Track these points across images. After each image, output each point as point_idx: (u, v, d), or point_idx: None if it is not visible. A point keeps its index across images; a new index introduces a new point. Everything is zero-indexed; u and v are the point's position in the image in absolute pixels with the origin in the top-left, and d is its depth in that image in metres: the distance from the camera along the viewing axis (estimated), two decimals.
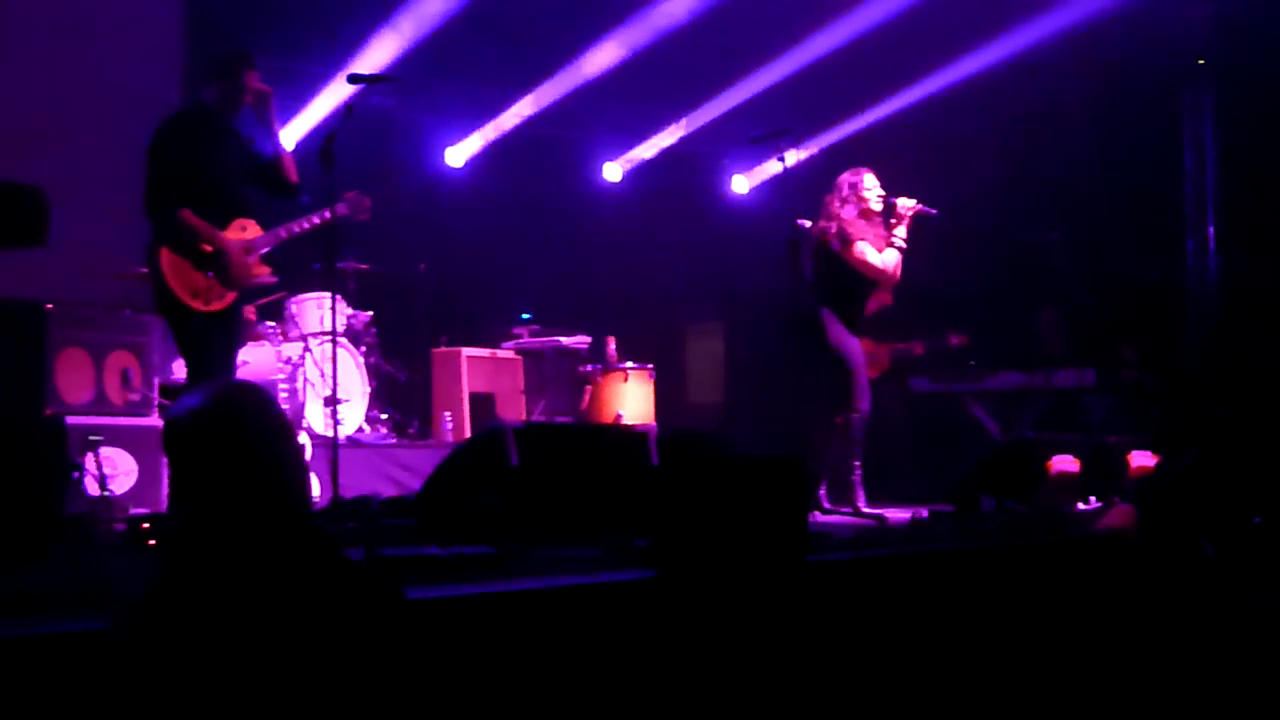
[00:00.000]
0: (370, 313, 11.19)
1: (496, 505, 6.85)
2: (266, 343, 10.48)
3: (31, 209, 7.09)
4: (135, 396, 9.26)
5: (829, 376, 9.24)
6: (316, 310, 10.58)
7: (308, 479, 3.23)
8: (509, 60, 13.08)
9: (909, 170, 10.00)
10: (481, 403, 11.78)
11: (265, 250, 7.68)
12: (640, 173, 15.10)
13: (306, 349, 10.19)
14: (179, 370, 9.58)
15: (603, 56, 13.11)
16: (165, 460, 3.20)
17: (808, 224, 9.37)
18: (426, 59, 11.97)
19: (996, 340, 12.79)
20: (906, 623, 6.12)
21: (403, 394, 11.98)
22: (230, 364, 7.60)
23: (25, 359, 8.75)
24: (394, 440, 11.00)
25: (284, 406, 9.26)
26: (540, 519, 6.83)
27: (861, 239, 9.18)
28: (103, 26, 10.58)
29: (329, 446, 7.79)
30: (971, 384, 12.33)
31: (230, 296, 7.44)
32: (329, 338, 8.72)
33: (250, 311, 8.06)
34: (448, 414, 11.51)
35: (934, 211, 9.31)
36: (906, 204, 9.27)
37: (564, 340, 12.36)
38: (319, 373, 10.05)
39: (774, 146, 9.38)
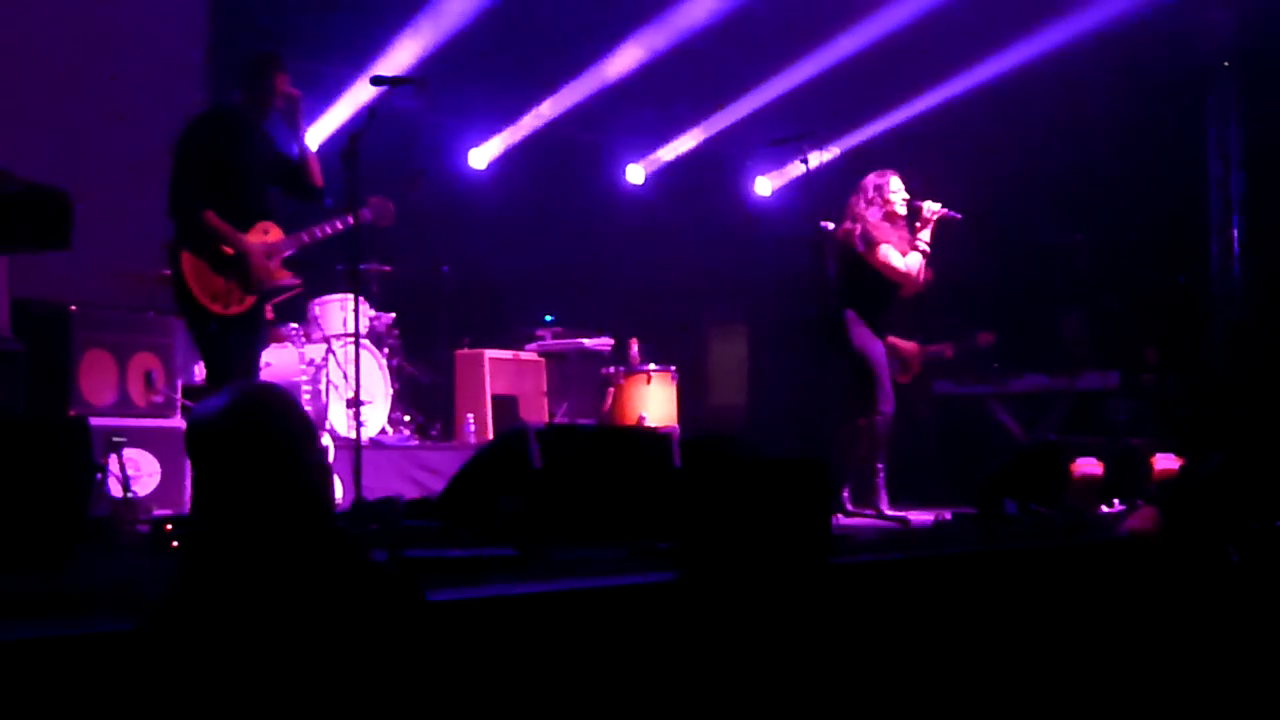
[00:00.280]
0: (393, 314, 11.19)
1: (519, 507, 6.84)
2: (289, 344, 10.50)
3: (56, 212, 7.11)
4: (158, 398, 9.29)
5: (852, 379, 9.23)
6: (339, 312, 10.58)
7: (331, 481, 3.23)
8: (532, 62, 13.09)
9: (932, 172, 9.98)
10: (504, 404, 11.78)
11: (287, 254, 7.67)
12: (663, 175, 15.09)
13: (329, 351, 10.19)
14: (202, 372, 9.60)
15: (626, 58, 13.11)
16: (188, 462, 3.21)
17: (831, 226, 9.36)
18: (450, 61, 11.98)
19: (1020, 343, 12.77)
20: (930, 626, 6.10)
21: (425, 396, 11.98)
22: (250, 367, 7.59)
23: (50, 361, 8.78)
24: (417, 442, 11.00)
25: (307, 408, 9.26)
26: (563, 521, 6.82)
27: (886, 241, 9.17)
28: (126, 29, 10.60)
29: (352, 448, 7.79)
30: (995, 387, 12.32)
31: (250, 300, 7.43)
32: (352, 339, 8.71)
33: (267, 310, 8.08)
34: (470, 416, 11.51)
35: (959, 216, 9.28)
36: (931, 207, 9.25)
37: (587, 342, 12.36)
38: (342, 374, 10.05)
39: (797, 148, 9.38)
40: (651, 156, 15.03)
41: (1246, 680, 5.47)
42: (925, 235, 9.23)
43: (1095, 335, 12.71)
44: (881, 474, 9.14)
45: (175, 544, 6.59)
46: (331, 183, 7.83)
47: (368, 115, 7.84)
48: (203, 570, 3.03)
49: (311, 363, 10.32)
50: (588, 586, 5.23)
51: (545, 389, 12.22)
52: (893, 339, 12.27)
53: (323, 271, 10.19)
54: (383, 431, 10.70)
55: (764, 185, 15.53)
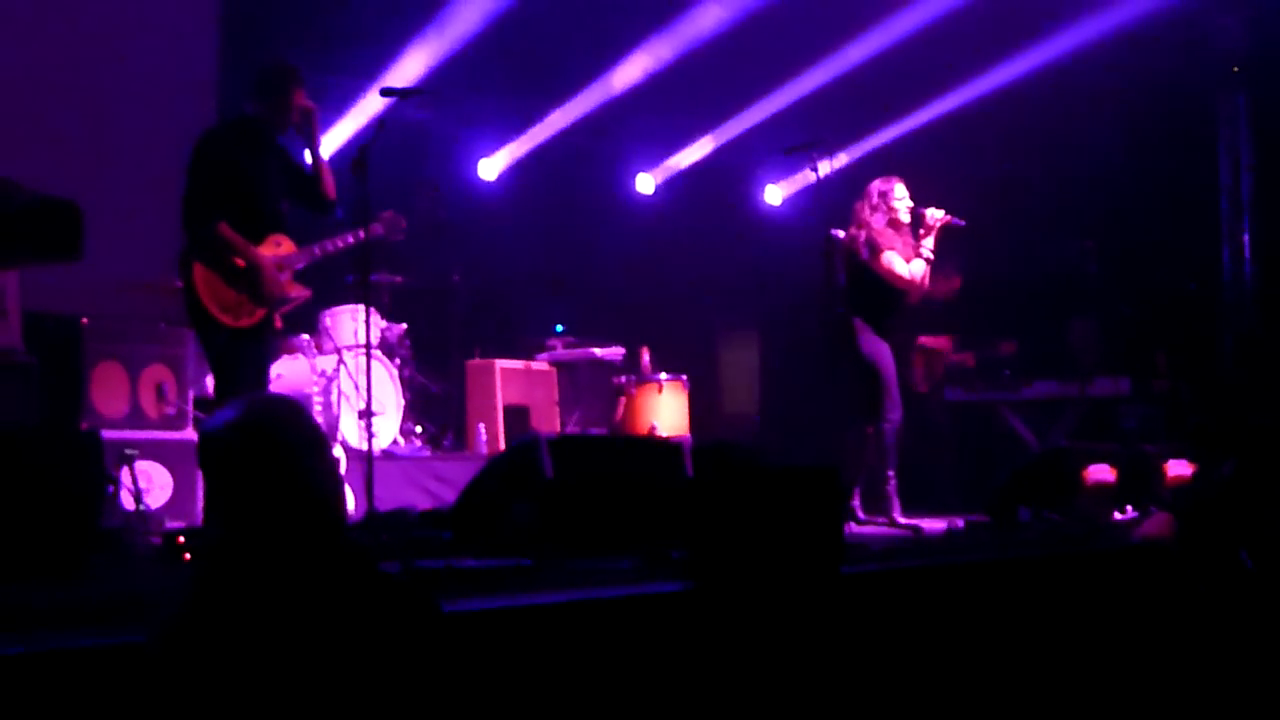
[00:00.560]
0: (404, 325, 11.19)
1: (532, 517, 6.85)
2: (301, 356, 10.50)
3: (66, 223, 7.12)
4: (170, 410, 9.30)
5: (860, 386, 9.24)
6: (350, 323, 10.58)
7: (343, 492, 3.23)
8: (542, 73, 13.10)
9: (942, 179, 9.98)
10: (516, 415, 11.78)
11: (299, 267, 7.67)
12: (674, 184, 15.09)
13: (341, 362, 10.20)
14: (214, 383, 9.62)
15: (635, 68, 13.12)
16: (200, 474, 3.21)
17: (841, 234, 9.37)
18: (459, 72, 11.99)
19: (1032, 350, 12.75)
20: (943, 634, 6.09)
21: (437, 406, 11.98)
22: (260, 379, 7.58)
23: (61, 373, 8.79)
24: (428, 453, 11.00)
25: (318, 419, 9.28)
26: (575, 531, 6.82)
27: (890, 248, 9.19)
28: (137, 40, 10.62)
29: (364, 459, 7.80)
30: (1007, 394, 12.30)
31: (261, 313, 7.43)
32: (363, 350, 8.72)
33: (276, 320, 8.12)
34: (482, 426, 11.51)
35: (962, 223, 9.31)
36: (935, 215, 9.27)
37: (598, 352, 12.35)
38: (353, 385, 10.06)
39: (807, 157, 9.38)
40: (662, 166, 15.02)
41: (1261, 686, 5.46)
42: (929, 242, 9.25)
43: (1105, 341, 12.69)
44: (893, 482, 9.14)
45: (187, 556, 6.59)
46: (342, 194, 7.83)
47: (378, 126, 7.86)
48: (215, 582, 3.03)
49: (323, 374, 10.33)
50: (601, 596, 5.23)
51: (557, 399, 12.21)
52: (924, 339, 12.30)
53: (334, 282, 10.21)
54: (394, 442, 10.70)
55: (774, 194, 15.53)
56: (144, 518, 7.68)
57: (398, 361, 10.93)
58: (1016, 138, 13.42)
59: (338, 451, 9.15)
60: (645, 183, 15.02)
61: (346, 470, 8.83)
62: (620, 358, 12.36)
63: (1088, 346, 12.72)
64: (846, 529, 7.98)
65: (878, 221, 9.27)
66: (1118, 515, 9.58)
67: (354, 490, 8.56)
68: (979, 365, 12.43)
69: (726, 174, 15.22)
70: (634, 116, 13.91)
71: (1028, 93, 13.05)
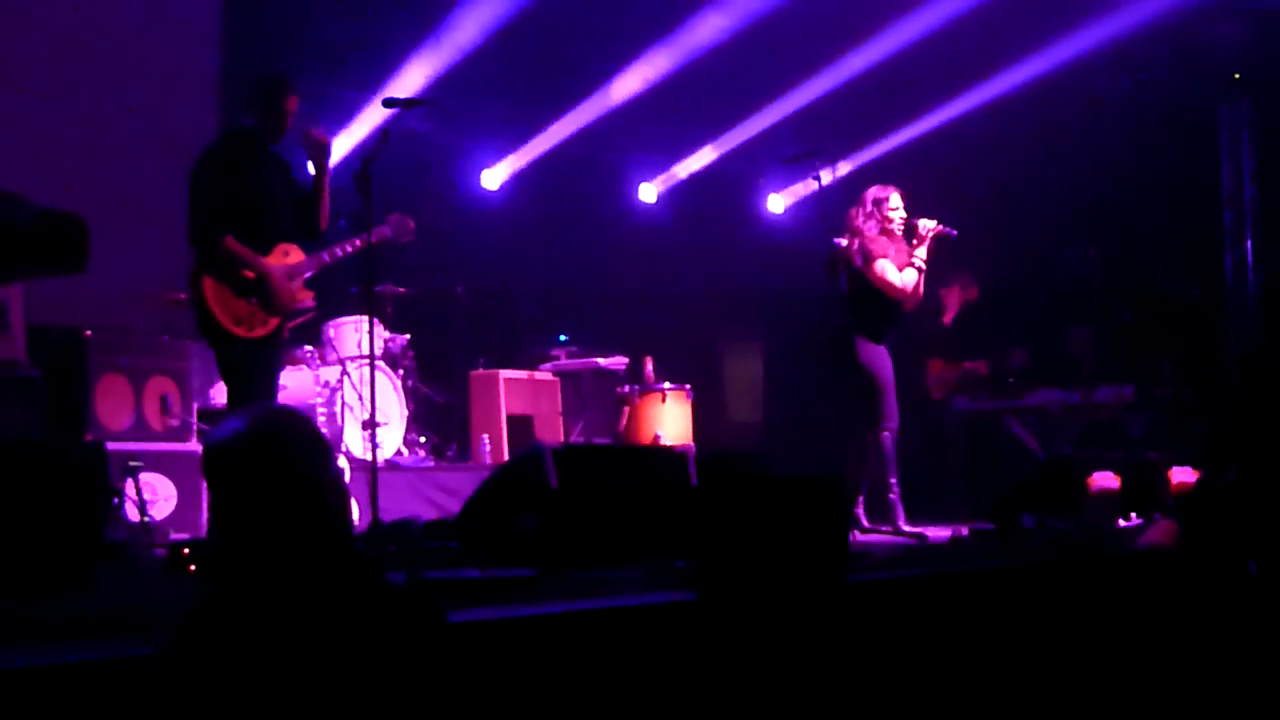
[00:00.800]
0: (408, 336, 11.19)
1: (536, 527, 6.85)
2: (305, 367, 10.51)
3: (71, 236, 7.14)
4: (174, 422, 9.30)
5: (859, 394, 9.24)
6: (354, 334, 10.59)
7: (348, 503, 3.23)
8: (544, 83, 13.11)
9: (944, 188, 9.99)
10: (520, 425, 11.78)
11: (308, 275, 7.70)
12: (676, 193, 15.10)
13: (344, 373, 10.21)
14: (218, 395, 9.63)
15: (637, 78, 13.12)
16: (205, 485, 3.21)
17: (844, 242, 9.38)
18: (462, 82, 12.00)
19: (1035, 357, 12.74)
20: (948, 642, 6.09)
21: (441, 417, 11.99)
22: (272, 389, 7.63)
23: (66, 386, 8.80)
24: (432, 463, 11.00)
25: (323, 430, 9.28)
26: (580, 541, 6.82)
27: (883, 256, 9.20)
28: (140, 54, 10.63)
29: (368, 470, 7.81)
30: (1011, 402, 12.29)
31: (273, 322, 7.46)
32: (367, 361, 8.72)
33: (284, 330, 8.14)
34: (486, 436, 11.51)
35: (954, 233, 9.32)
36: (927, 225, 9.28)
37: (601, 361, 12.36)
38: (357, 396, 10.07)
39: (809, 166, 9.41)
40: (664, 175, 15.03)
41: (1266, 693, 5.45)
42: (922, 252, 9.26)
43: (1104, 349, 12.68)
44: (896, 489, 9.13)
45: (192, 567, 6.60)
46: (346, 203, 7.84)
47: (381, 137, 7.87)
48: (220, 593, 3.04)
49: (327, 385, 10.34)
50: (606, 606, 5.23)
51: (560, 409, 12.22)
52: (968, 364, 12.33)
53: (337, 293, 10.22)
54: (398, 453, 10.70)
55: (776, 203, 15.54)
56: (149, 530, 7.67)
57: (401, 372, 10.94)
58: (1019, 145, 13.42)
59: (342, 462, 9.15)
60: (648, 192, 15.03)
61: (351, 481, 8.82)
62: (624, 367, 12.37)
63: (1086, 355, 12.72)
64: (851, 537, 7.99)
65: (871, 230, 9.29)
66: (1122, 523, 9.58)
67: (358, 501, 8.54)
68: (992, 374, 12.43)
69: (729, 183, 15.23)
70: (636, 126, 13.91)
71: (1031, 100, 13.06)
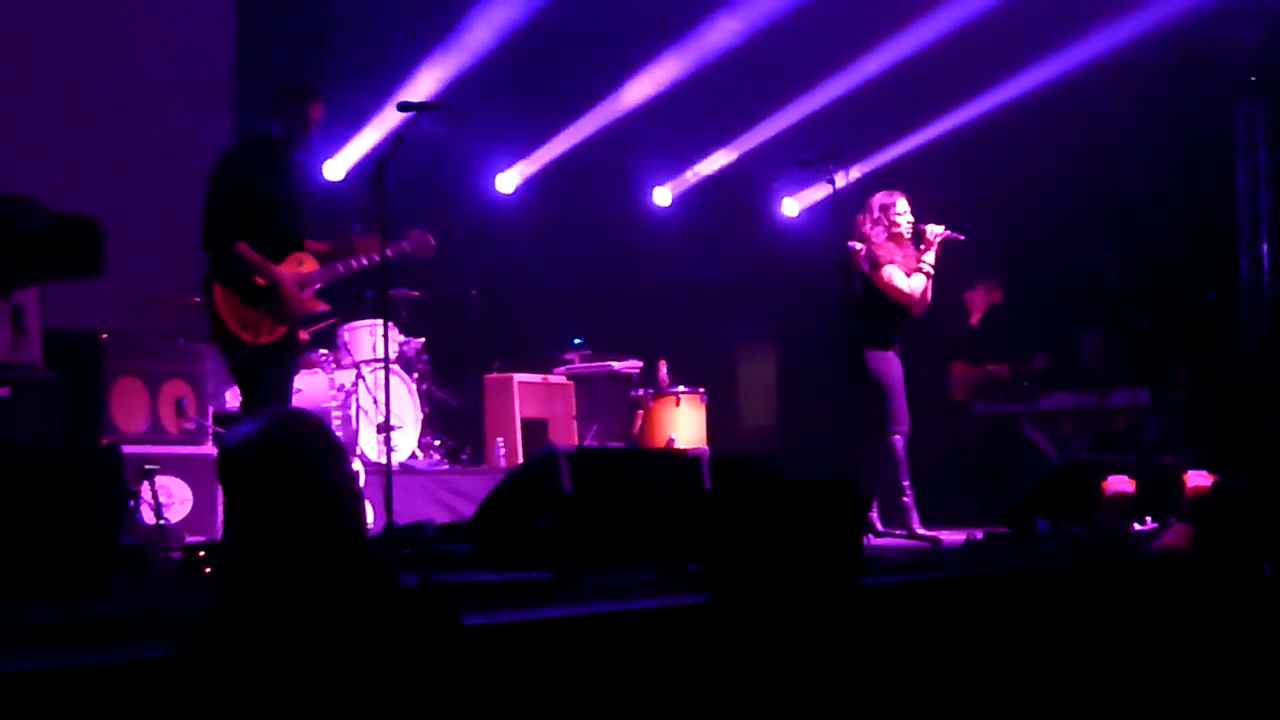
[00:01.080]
0: (422, 339, 11.21)
1: (550, 531, 6.85)
2: (320, 370, 10.52)
3: (87, 240, 7.16)
4: (190, 425, 9.32)
5: (870, 398, 9.24)
6: (369, 338, 10.60)
7: (362, 506, 3.24)
8: (558, 86, 13.11)
9: (959, 192, 9.98)
10: (534, 428, 11.79)
11: (320, 286, 7.69)
12: (690, 196, 15.10)
13: (359, 376, 10.22)
14: (233, 399, 9.65)
15: (651, 82, 13.12)
16: (220, 488, 3.22)
17: (857, 246, 9.38)
18: (476, 86, 12.00)
19: (1050, 361, 12.73)
20: (962, 646, 6.08)
21: (455, 420, 12.00)
22: (285, 394, 7.61)
23: (82, 389, 8.81)
24: (447, 466, 11.02)
25: (337, 434, 9.29)
26: (594, 544, 6.82)
27: (890, 261, 9.20)
28: (155, 58, 10.66)
29: (382, 473, 7.81)
30: (1026, 405, 12.28)
31: (282, 330, 7.44)
32: (381, 365, 8.73)
33: (303, 334, 8.12)
34: (500, 440, 11.53)
35: (961, 237, 9.33)
36: (935, 230, 9.28)
37: (615, 365, 12.35)
38: (372, 400, 10.08)
39: (823, 169, 9.41)
40: (679, 178, 15.03)
41: None
42: (929, 257, 9.26)
43: (1116, 353, 12.66)
44: (909, 493, 9.13)
45: (208, 570, 6.61)
46: (361, 209, 7.84)
47: (395, 141, 7.87)
48: (236, 597, 3.04)
49: (342, 388, 10.36)
50: (620, 609, 5.22)
51: (574, 412, 12.22)
52: (990, 367, 12.32)
53: (352, 297, 10.23)
54: (413, 456, 10.72)
55: (791, 206, 15.53)
56: (164, 533, 7.69)
57: (416, 376, 10.95)
58: (1035, 149, 13.40)
59: (356, 466, 9.16)
60: (662, 195, 15.03)
61: (365, 484, 8.84)
62: (638, 371, 12.36)
63: (1097, 360, 12.70)
64: (865, 541, 7.98)
65: (878, 235, 9.29)
66: (1137, 527, 9.56)
67: (373, 504, 8.56)
68: (1013, 377, 12.42)
69: (743, 186, 15.23)
70: (651, 129, 13.92)
71: (1046, 103, 13.04)
